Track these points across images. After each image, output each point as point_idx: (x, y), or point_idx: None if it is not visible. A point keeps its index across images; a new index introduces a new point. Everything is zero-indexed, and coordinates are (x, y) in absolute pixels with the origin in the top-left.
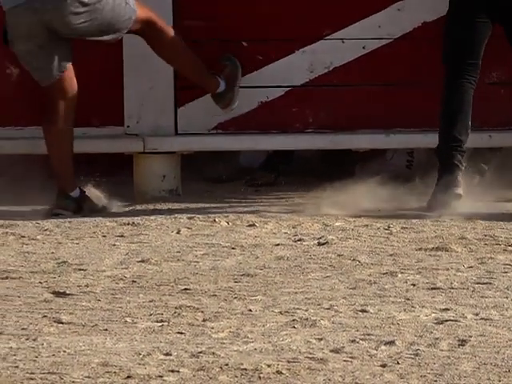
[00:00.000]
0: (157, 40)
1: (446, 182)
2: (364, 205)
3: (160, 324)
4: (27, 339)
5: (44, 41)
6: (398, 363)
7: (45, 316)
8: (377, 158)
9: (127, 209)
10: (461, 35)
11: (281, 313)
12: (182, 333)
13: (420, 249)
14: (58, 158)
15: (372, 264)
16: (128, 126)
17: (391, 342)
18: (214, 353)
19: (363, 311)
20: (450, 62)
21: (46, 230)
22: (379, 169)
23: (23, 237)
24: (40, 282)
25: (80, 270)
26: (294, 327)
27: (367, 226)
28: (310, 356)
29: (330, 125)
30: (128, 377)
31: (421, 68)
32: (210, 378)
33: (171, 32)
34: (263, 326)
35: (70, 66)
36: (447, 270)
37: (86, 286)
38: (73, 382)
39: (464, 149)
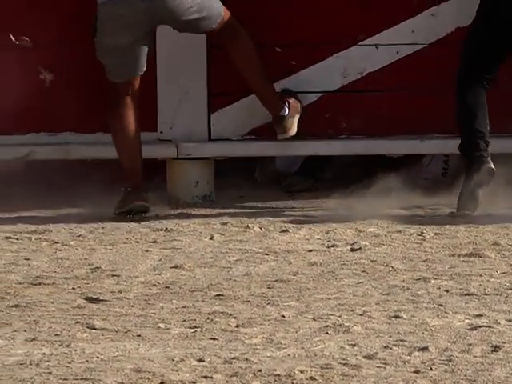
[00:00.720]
0: (234, 44)
1: (474, 170)
2: (397, 211)
3: (193, 330)
4: (60, 345)
5: (138, 36)
6: (431, 369)
7: (78, 322)
8: (413, 165)
9: (160, 215)
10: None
11: (314, 319)
12: (215, 339)
13: (453, 255)
14: (128, 154)
15: (405, 270)
16: (161, 132)
17: (424, 348)
18: (247, 359)
19: (396, 317)
20: (467, 62)
21: (79, 235)
22: (416, 176)
23: (57, 243)
24: (73, 288)
25: (113, 275)
26: (327, 333)
27: (400, 231)
28: (343, 362)
29: (364, 130)
30: (161, 383)
31: (455, 73)
32: None
33: (250, 41)
34: (296, 331)
35: None
36: (480, 275)
37: (119, 291)
38: None
39: (488, 140)
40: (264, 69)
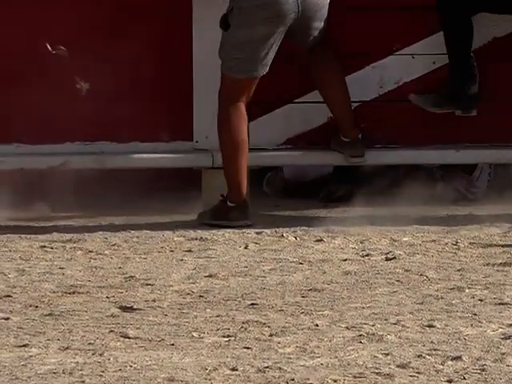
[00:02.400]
0: (322, 59)
1: None
2: (432, 220)
3: (227, 339)
4: (94, 354)
5: (283, 31)
6: (464, 378)
7: (112, 331)
8: (462, 178)
9: (196, 224)
10: None
11: (347, 328)
12: (248, 348)
13: (488, 264)
14: (242, 168)
15: (439, 279)
16: (197, 141)
17: (458, 358)
18: (280, 368)
19: (430, 326)
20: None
21: (113, 244)
22: (465, 189)
23: (91, 252)
24: (107, 297)
25: (147, 284)
26: (361, 342)
27: (435, 241)
28: (377, 371)
29: (400, 140)
30: None
31: (491, 83)
32: None
33: (337, 58)
34: (330, 341)
35: None
36: None
37: (153, 300)
38: None
39: None
40: (347, 92)
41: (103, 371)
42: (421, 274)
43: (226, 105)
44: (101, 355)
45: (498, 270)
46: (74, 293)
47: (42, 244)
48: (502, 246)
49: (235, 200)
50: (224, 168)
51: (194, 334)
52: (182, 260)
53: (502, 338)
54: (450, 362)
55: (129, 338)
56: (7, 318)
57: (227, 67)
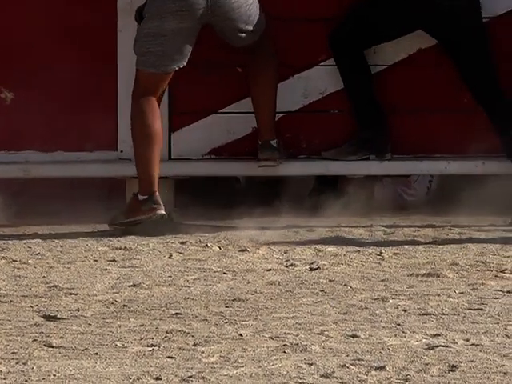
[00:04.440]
0: (263, 61)
1: None
2: (356, 230)
3: (150, 348)
4: (17, 363)
5: (193, 26)
6: None
7: (35, 340)
8: (401, 180)
9: (119, 233)
10: None
11: (271, 338)
12: (172, 357)
13: (411, 274)
14: (154, 161)
15: (363, 289)
16: (121, 151)
17: (381, 368)
18: (204, 377)
19: (354, 336)
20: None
21: (37, 253)
22: (402, 191)
23: (15, 261)
24: (31, 306)
25: (71, 294)
26: (285, 352)
27: (359, 251)
28: (300, 381)
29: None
30: None
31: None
32: None
33: (277, 64)
34: (254, 350)
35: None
36: (438, 295)
37: (77, 310)
38: None
39: None
40: (275, 95)
41: (26, 380)
42: (345, 284)
43: (138, 99)
44: (24, 364)
45: (421, 281)
46: None
47: None
48: (426, 256)
49: (146, 191)
50: (135, 161)
51: (118, 344)
52: (105, 269)
53: (426, 349)
54: (373, 372)
55: (52, 347)
56: None
57: (140, 61)
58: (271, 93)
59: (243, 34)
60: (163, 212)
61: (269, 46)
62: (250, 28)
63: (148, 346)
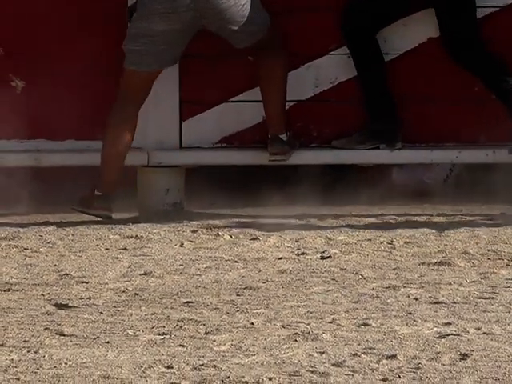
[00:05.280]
0: (271, 61)
1: None
2: (368, 219)
3: (162, 337)
4: (29, 351)
5: (183, 29)
6: (399, 377)
7: (47, 328)
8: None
9: (131, 222)
10: None
11: (283, 326)
12: (183, 346)
13: (423, 263)
14: (117, 163)
15: (375, 278)
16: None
17: (393, 356)
18: (215, 366)
19: (365, 325)
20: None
21: (48, 242)
22: (422, 174)
23: (26, 249)
24: (42, 295)
25: (82, 282)
26: (296, 341)
27: (370, 240)
28: (312, 370)
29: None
30: None
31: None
32: None
33: (285, 59)
34: (265, 339)
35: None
36: (450, 284)
37: (89, 298)
38: None
39: None
40: (284, 91)
41: (38, 368)
42: (356, 273)
43: (121, 96)
44: (36, 352)
45: (432, 269)
46: (8, 290)
47: None
48: (438, 245)
49: (102, 189)
50: (101, 157)
51: (129, 332)
52: (117, 258)
53: (437, 337)
54: (385, 361)
55: (64, 335)
56: None
57: (127, 59)
58: (280, 89)
59: (241, 35)
60: (111, 215)
61: (276, 45)
62: (247, 28)
63: (159, 335)
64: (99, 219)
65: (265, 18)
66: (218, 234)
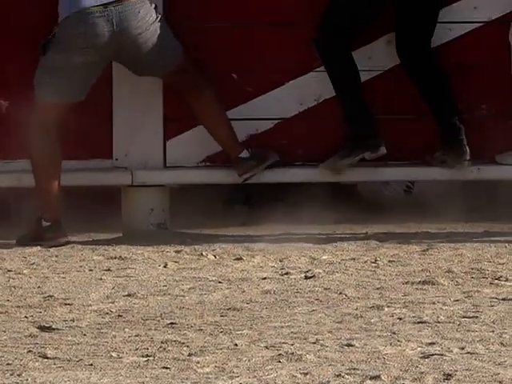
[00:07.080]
0: (195, 87)
1: None
2: (351, 238)
3: (145, 359)
4: (12, 374)
5: (101, 61)
6: None
7: (30, 351)
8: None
9: (114, 242)
10: None
11: (267, 347)
12: (167, 368)
13: (407, 282)
14: (54, 186)
15: (358, 298)
16: (116, 159)
17: (377, 377)
18: None
19: (349, 345)
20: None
21: (32, 263)
22: (382, 187)
23: (10, 271)
24: (26, 317)
25: (66, 304)
26: (280, 362)
27: (354, 259)
28: None
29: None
30: None
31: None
32: None
33: (210, 84)
34: (249, 360)
35: None
36: (433, 303)
37: (72, 320)
38: None
39: None
40: (224, 115)
41: None
42: (340, 293)
43: (36, 129)
44: (19, 375)
45: (416, 289)
46: None
47: None
48: (421, 263)
49: (49, 218)
50: (37, 189)
51: (113, 354)
52: (100, 279)
53: (421, 357)
54: (368, 382)
55: (47, 357)
56: None
57: (39, 92)
58: (220, 115)
59: (155, 64)
60: (66, 239)
61: (198, 76)
62: (161, 57)
63: (143, 357)
64: (83, 240)
65: (178, 47)
66: (201, 254)
